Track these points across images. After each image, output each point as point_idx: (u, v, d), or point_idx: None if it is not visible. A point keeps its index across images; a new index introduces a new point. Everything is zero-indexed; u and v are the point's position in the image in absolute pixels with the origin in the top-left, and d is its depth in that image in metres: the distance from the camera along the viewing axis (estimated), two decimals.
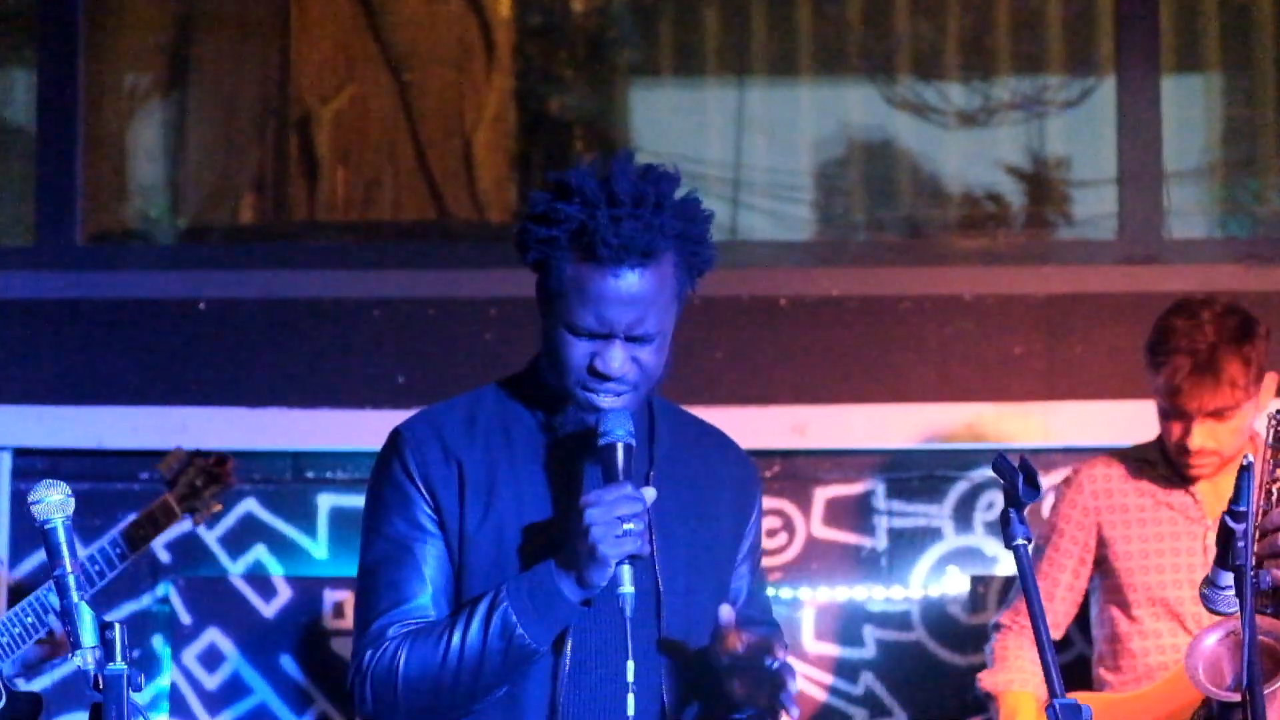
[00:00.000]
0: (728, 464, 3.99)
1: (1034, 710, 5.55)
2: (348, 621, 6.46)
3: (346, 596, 6.44)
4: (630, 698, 3.58)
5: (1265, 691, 3.55)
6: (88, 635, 3.48)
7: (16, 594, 5.93)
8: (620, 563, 3.60)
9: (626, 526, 3.59)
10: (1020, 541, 3.43)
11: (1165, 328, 5.41)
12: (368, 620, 3.81)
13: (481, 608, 3.68)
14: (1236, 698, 3.62)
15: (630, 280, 3.71)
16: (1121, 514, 5.56)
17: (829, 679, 6.40)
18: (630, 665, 3.57)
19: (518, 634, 3.64)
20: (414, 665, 3.71)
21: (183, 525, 5.39)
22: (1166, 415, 5.42)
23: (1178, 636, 5.44)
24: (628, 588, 3.59)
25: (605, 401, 3.74)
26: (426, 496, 3.80)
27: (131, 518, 5.00)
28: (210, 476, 5.16)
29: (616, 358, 3.72)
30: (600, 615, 3.69)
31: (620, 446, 3.68)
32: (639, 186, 3.73)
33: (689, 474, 3.90)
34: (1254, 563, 3.60)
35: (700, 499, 3.89)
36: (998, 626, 5.66)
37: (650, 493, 3.67)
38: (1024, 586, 3.45)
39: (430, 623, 3.75)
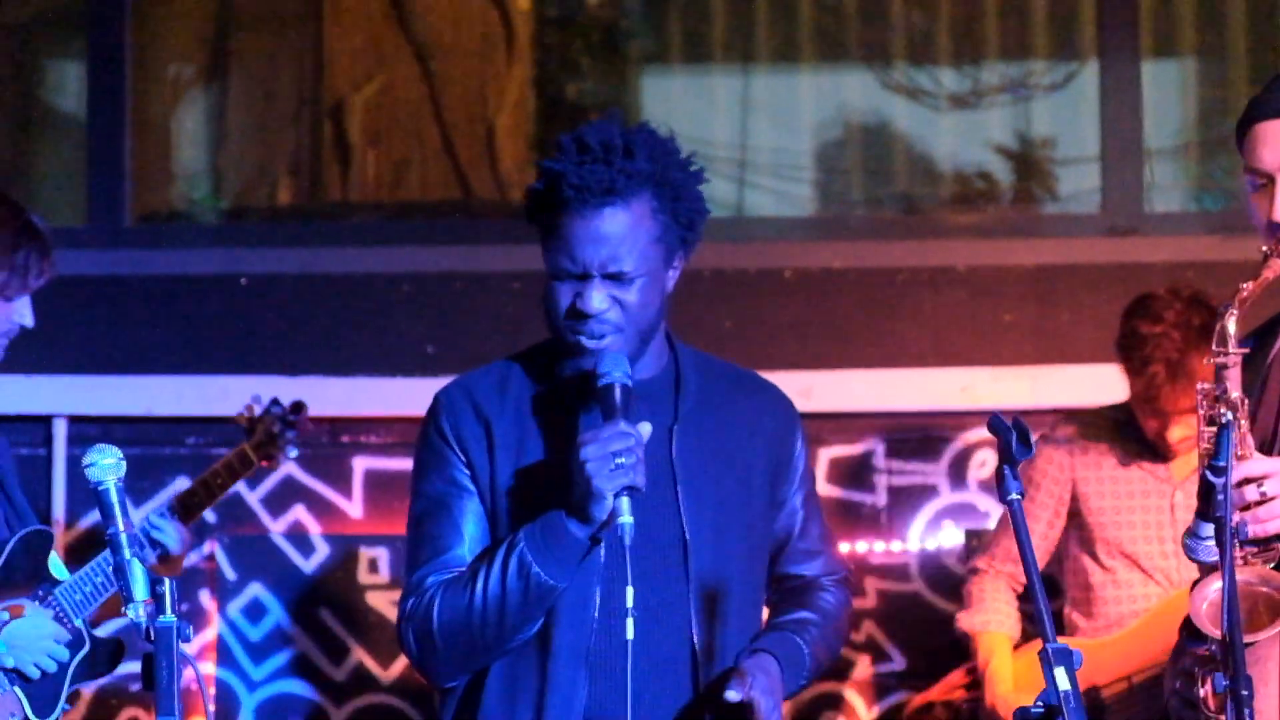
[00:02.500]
0: (762, 410, 3.94)
1: (1009, 651, 5.56)
2: (381, 576, 6.47)
3: (380, 553, 6.45)
4: (630, 622, 3.54)
5: (1266, 633, 3.53)
6: (139, 590, 3.48)
7: (72, 552, 5.94)
8: (618, 495, 3.58)
9: (619, 460, 3.59)
10: (1014, 496, 3.41)
11: (1135, 335, 5.42)
12: (411, 572, 3.81)
13: (500, 553, 3.69)
14: (1253, 637, 3.60)
15: (597, 220, 3.71)
16: (1095, 470, 5.56)
17: None
18: (630, 591, 3.54)
19: (533, 572, 3.64)
20: (446, 611, 3.72)
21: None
22: (1144, 411, 5.43)
23: (1147, 587, 5.45)
24: (626, 518, 3.57)
25: (590, 343, 3.72)
26: (460, 456, 3.80)
27: (196, 480, 4.98)
28: (286, 424, 5.12)
29: (594, 296, 3.71)
30: (623, 563, 3.67)
31: (617, 387, 3.67)
32: (609, 135, 3.75)
33: (718, 423, 3.86)
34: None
35: (730, 447, 3.86)
36: (974, 570, 5.66)
37: (645, 428, 3.65)
38: (1018, 538, 3.43)
39: (462, 571, 3.75)
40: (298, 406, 5.14)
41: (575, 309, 3.73)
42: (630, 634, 3.55)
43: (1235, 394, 3.63)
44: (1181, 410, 5.32)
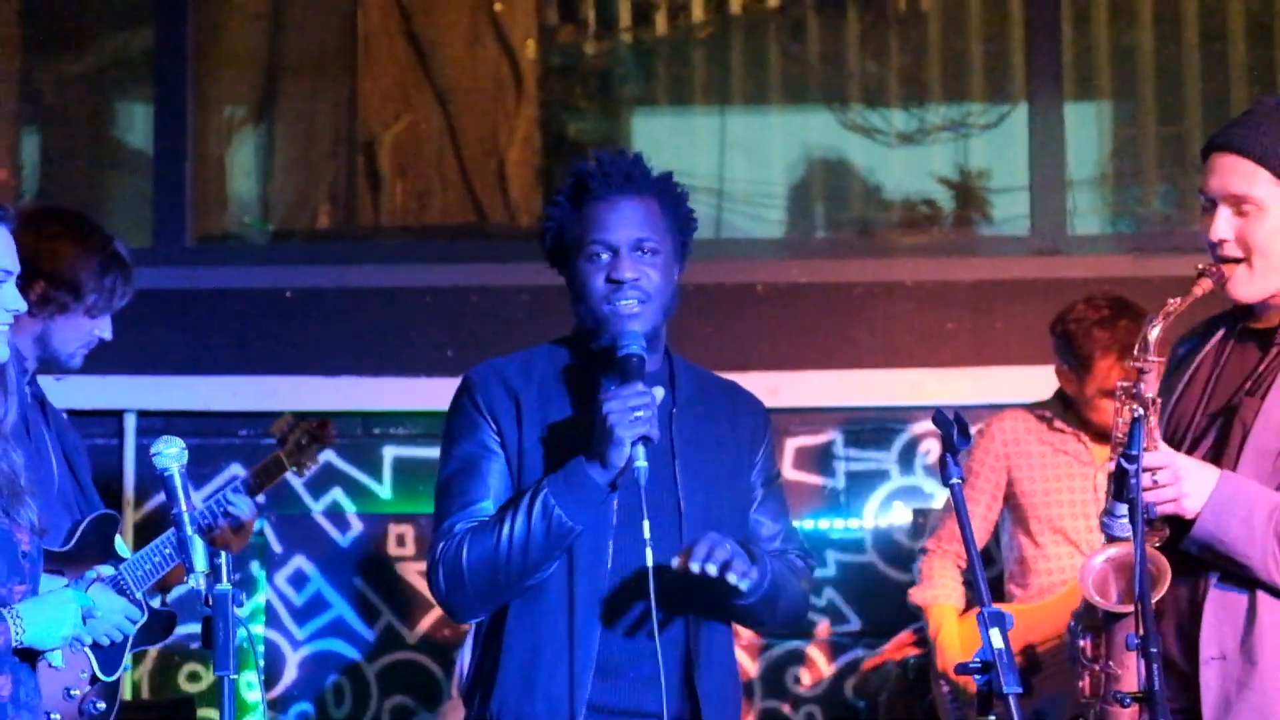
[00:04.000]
0: (740, 407, 3.96)
1: (955, 619, 5.56)
2: (408, 549, 6.46)
3: (406, 529, 6.44)
4: (648, 550, 3.55)
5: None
6: (200, 562, 3.48)
7: (140, 529, 5.94)
8: (635, 443, 3.59)
9: (637, 414, 3.60)
10: (955, 481, 3.42)
11: (1086, 336, 5.41)
12: (440, 521, 3.80)
13: (526, 498, 3.68)
14: (1121, 608, 3.61)
15: (624, 205, 3.76)
16: (1026, 459, 5.56)
17: None
18: (645, 524, 3.55)
19: (555, 514, 3.64)
20: (475, 551, 3.70)
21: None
22: (1101, 403, 5.39)
23: (1074, 559, 5.45)
24: (642, 462, 3.59)
25: (625, 308, 3.73)
26: (491, 423, 3.79)
27: (250, 470, 5.00)
28: (313, 437, 5.12)
29: (628, 264, 3.73)
30: (631, 521, 3.67)
31: (634, 357, 3.69)
32: (620, 156, 3.84)
33: (707, 413, 3.87)
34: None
35: (718, 434, 3.87)
36: (924, 551, 5.66)
37: (659, 391, 3.68)
38: (958, 517, 3.42)
39: (490, 518, 3.74)
40: (323, 423, 5.15)
41: (610, 278, 3.74)
42: (650, 561, 3.55)
43: (1150, 394, 3.63)
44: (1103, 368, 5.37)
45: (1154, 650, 3.38)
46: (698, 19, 7.76)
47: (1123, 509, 3.57)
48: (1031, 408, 5.63)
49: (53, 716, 4.26)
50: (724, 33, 7.72)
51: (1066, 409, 5.56)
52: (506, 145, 7.51)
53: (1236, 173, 3.61)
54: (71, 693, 4.34)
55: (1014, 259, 6.65)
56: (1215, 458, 3.64)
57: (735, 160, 7.56)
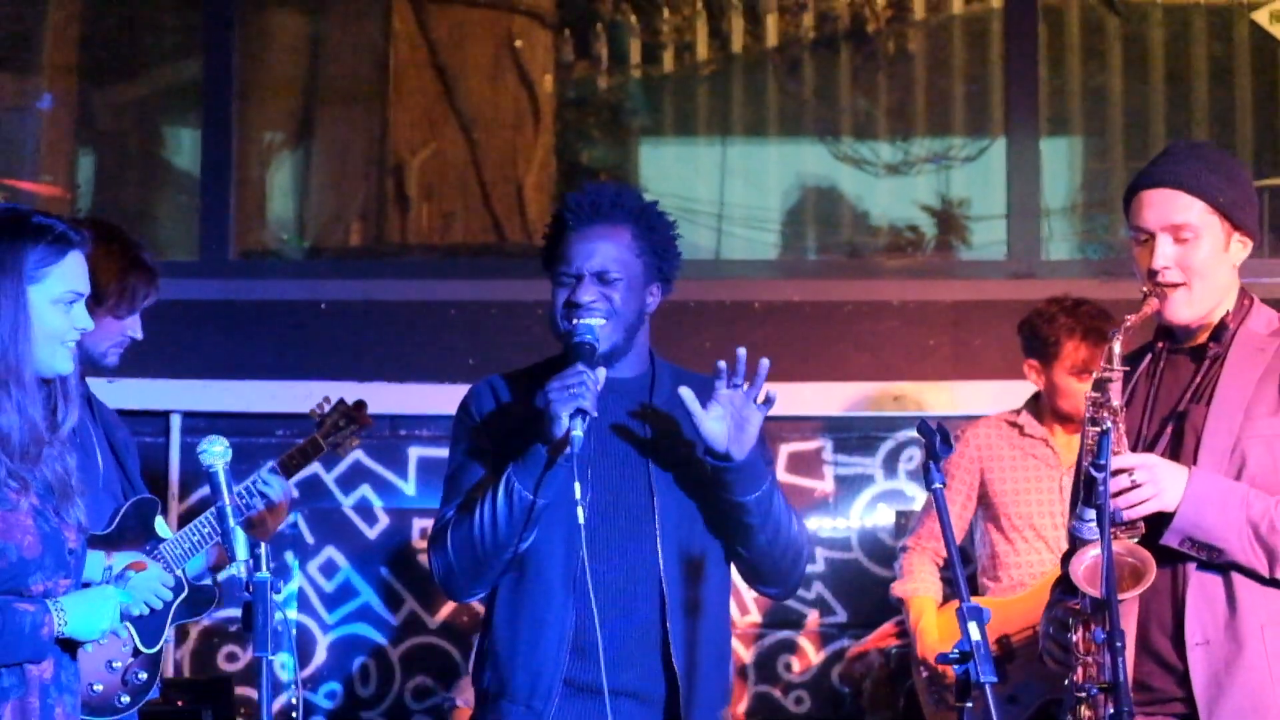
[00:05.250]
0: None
1: (934, 610, 5.56)
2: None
3: (429, 523, 6.40)
4: (580, 510, 3.60)
5: (1132, 593, 3.56)
6: (241, 551, 3.48)
7: (184, 520, 5.94)
8: (572, 417, 3.64)
9: (572, 390, 3.65)
10: (937, 485, 3.43)
11: (1051, 322, 5.44)
12: (439, 510, 3.91)
13: (496, 481, 3.77)
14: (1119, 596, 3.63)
15: (588, 234, 3.83)
16: (998, 462, 5.56)
17: None
18: (576, 486, 3.62)
19: (515, 487, 3.72)
20: (458, 533, 3.80)
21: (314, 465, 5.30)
22: (1062, 387, 5.42)
23: (1041, 554, 5.45)
24: (577, 432, 3.64)
25: (581, 326, 3.80)
26: (481, 426, 3.90)
27: (286, 452, 4.97)
28: (350, 418, 5.07)
29: (586, 289, 3.81)
30: (599, 512, 3.75)
31: (585, 345, 3.76)
32: (605, 186, 3.93)
33: (685, 415, 3.84)
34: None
35: (691, 429, 3.84)
36: (904, 548, 5.66)
37: (601, 373, 3.74)
38: (940, 520, 3.44)
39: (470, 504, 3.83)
40: (359, 405, 5.13)
41: (570, 301, 3.82)
42: (581, 519, 3.61)
43: (1116, 402, 3.66)
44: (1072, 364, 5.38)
45: (1119, 645, 3.40)
46: (702, 57, 7.78)
47: (1091, 514, 3.58)
48: (1004, 416, 5.64)
49: (95, 687, 4.26)
50: (726, 70, 7.74)
51: (1037, 414, 5.56)
52: (525, 171, 7.52)
53: (1173, 204, 3.68)
54: (114, 664, 4.31)
55: (992, 281, 6.65)
56: (1171, 459, 3.67)
57: (735, 187, 7.57)
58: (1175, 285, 3.69)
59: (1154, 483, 3.58)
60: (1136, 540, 3.61)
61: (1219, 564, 3.62)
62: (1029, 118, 6.76)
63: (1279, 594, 3.62)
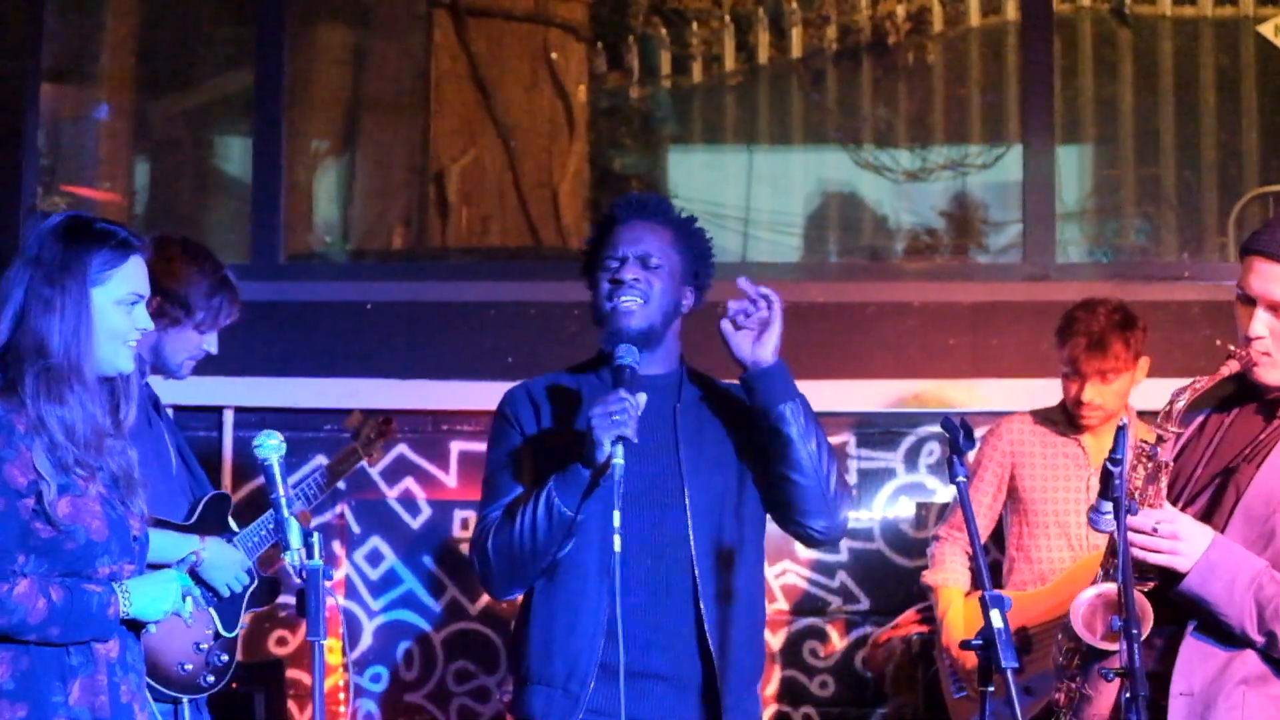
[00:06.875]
0: (741, 404, 3.97)
1: (961, 601, 5.54)
2: (470, 532, 6.45)
3: (470, 514, 6.44)
4: (616, 538, 3.60)
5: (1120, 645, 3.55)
6: (295, 540, 3.50)
7: (235, 511, 5.95)
8: (614, 443, 3.66)
9: (615, 418, 3.66)
10: (961, 479, 3.44)
11: (1070, 316, 5.43)
12: (480, 512, 3.94)
13: (536, 493, 3.79)
14: (1104, 645, 3.62)
15: (635, 225, 3.92)
16: (1029, 457, 5.54)
17: (816, 576, 6.38)
18: (616, 514, 3.61)
19: (555, 504, 3.74)
20: (498, 537, 3.83)
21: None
22: (1068, 377, 5.40)
23: (1064, 551, 5.43)
24: (618, 460, 3.65)
25: (625, 305, 3.85)
26: (518, 429, 3.93)
27: (330, 460, 5.08)
28: (380, 432, 5.21)
29: (630, 268, 3.87)
30: (632, 513, 3.74)
31: (625, 369, 3.78)
32: (648, 195, 4.05)
33: (713, 410, 3.93)
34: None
35: (717, 425, 3.92)
36: (936, 537, 5.64)
37: (641, 398, 3.74)
38: (964, 512, 3.46)
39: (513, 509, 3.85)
40: (387, 420, 5.25)
41: (614, 279, 3.87)
42: (617, 548, 3.61)
43: (1165, 459, 3.64)
44: (1096, 374, 5.32)
45: (1135, 632, 3.38)
46: (729, 68, 7.78)
47: (1108, 506, 3.57)
48: (1037, 412, 5.60)
49: (186, 667, 4.39)
50: (752, 81, 7.74)
51: (1067, 419, 5.53)
52: (559, 178, 7.53)
53: (1276, 279, 3.62)
54: (200, 646, 4.43)
55: (1008, 284, 6.64)
56: (1207, 515, 3.65)
57: (760, 193, 7.57)
58: (1266, 354, 3.65)
59: (1174, 541, 3.56)
60: (1146, 592, 3.59)
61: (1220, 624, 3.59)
62: (1043, 126, 6.74)
63: (1268, 658, 3.59)
